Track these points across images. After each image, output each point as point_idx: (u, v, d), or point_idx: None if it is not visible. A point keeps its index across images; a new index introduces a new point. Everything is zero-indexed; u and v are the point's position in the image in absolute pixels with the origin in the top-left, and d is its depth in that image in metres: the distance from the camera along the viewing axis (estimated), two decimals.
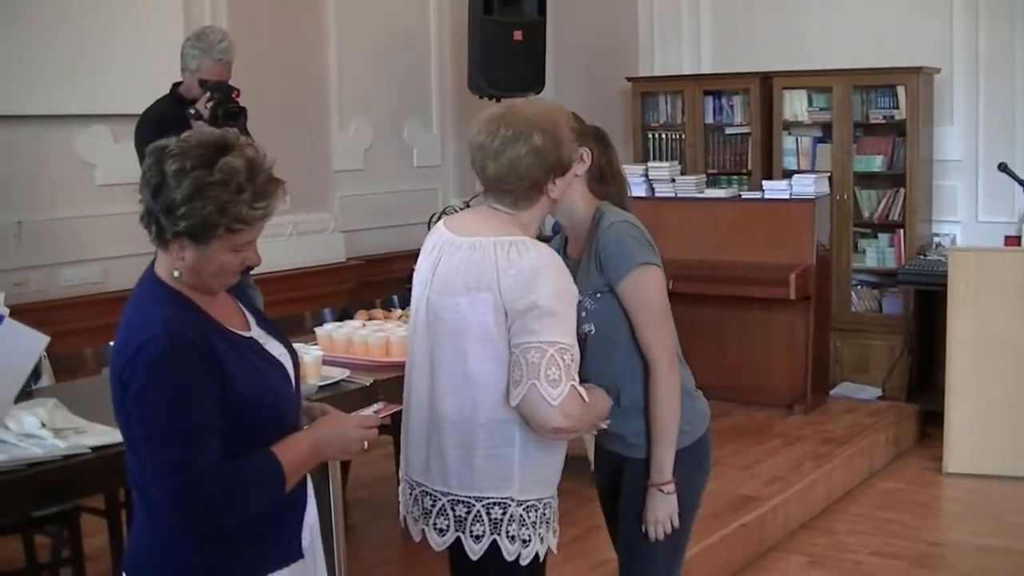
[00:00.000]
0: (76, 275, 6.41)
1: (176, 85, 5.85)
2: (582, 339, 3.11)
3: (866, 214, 8.13)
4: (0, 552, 4.74)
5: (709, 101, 8.64)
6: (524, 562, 3.01)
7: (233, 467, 2.44)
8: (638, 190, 7.91)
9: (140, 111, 5.73)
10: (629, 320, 3.21)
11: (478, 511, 2.98)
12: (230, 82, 5.68)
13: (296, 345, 2.92)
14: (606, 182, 3.37)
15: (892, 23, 8.12)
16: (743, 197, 7.82)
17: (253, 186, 2.43)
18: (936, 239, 8.08)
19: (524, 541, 3.00)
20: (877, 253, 8.13)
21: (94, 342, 4.88)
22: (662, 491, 3.25)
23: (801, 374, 7.51)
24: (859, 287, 8.20)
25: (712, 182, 8.29)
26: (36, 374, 4.50)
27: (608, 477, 3.48)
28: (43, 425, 3.53)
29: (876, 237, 8.15)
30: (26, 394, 4.08)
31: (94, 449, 3.43)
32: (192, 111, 5.40)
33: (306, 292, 7.51)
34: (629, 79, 8.93)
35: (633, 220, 3.26)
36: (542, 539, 3.04)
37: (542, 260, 2.92)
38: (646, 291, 3.19)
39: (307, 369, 3.82)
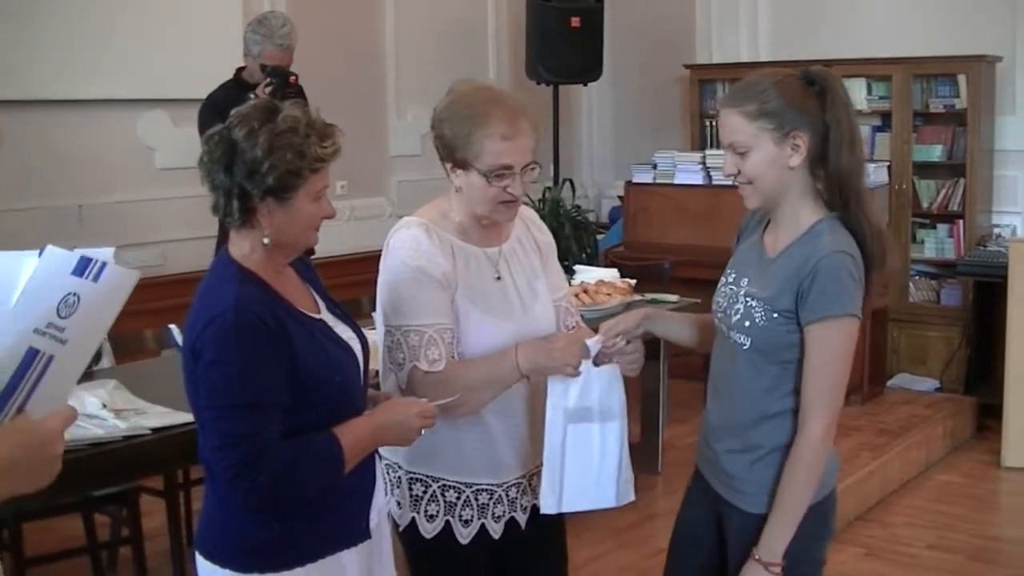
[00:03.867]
0: (136, 258, 6.46)
1: (240, 70, 5.91)
2: (735, 348, 2.85)
3: (925, 204, 8.05)
4: (61, 530, 4.80)
5: None
6: (400, 527, 3.02)
7: (294, 444, 2.48)
8: (695, 178, 7.90)
9: (199, 96, 5.79)
10: (800, 361, 2.78)
11: (382, 471, 2.96)
12: (291, 68, 5.74)
13: None
14: (833, 179, 2.82)
15: (953, 10, 8.03)
16: None
17: (315, 129, 2.54)
18: (996, 230, 7.98)
19: (397, 503, 3.01)
20: (936, 244, 8.05)
21: (153, 324, 4.93)
22: (767, 570, 2.80)
23: (858, 365, 7.43)
24: (917, 278, 8.13)
25: None
26: (97, 355, 4.56)
27: (702, 517, 3.04)
28: (104, 406, 3.57)
29: (935, 227, 8.07)
30: (87, 375, 4.14)
31: (154, 430, 3.48)
32: (252, 96, 5.44)
33: (364, 276, 7.51)
34: (687, 66, 8.90)
35: (856, 253, 2.78)
36: (430, 517, 3.00)
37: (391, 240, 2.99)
38: (838, 344, 2.77)
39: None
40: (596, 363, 2.94)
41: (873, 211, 2.86)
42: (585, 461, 2.98)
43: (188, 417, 3.06)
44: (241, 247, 2.59)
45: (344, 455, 2.54)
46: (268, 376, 2.46)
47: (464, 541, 3.00)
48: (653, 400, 6.05)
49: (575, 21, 8.27)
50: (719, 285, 2.98)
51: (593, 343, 2.92)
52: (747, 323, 2.81)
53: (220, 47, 6.48)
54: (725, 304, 2.90)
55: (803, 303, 2.74)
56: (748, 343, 2.81)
